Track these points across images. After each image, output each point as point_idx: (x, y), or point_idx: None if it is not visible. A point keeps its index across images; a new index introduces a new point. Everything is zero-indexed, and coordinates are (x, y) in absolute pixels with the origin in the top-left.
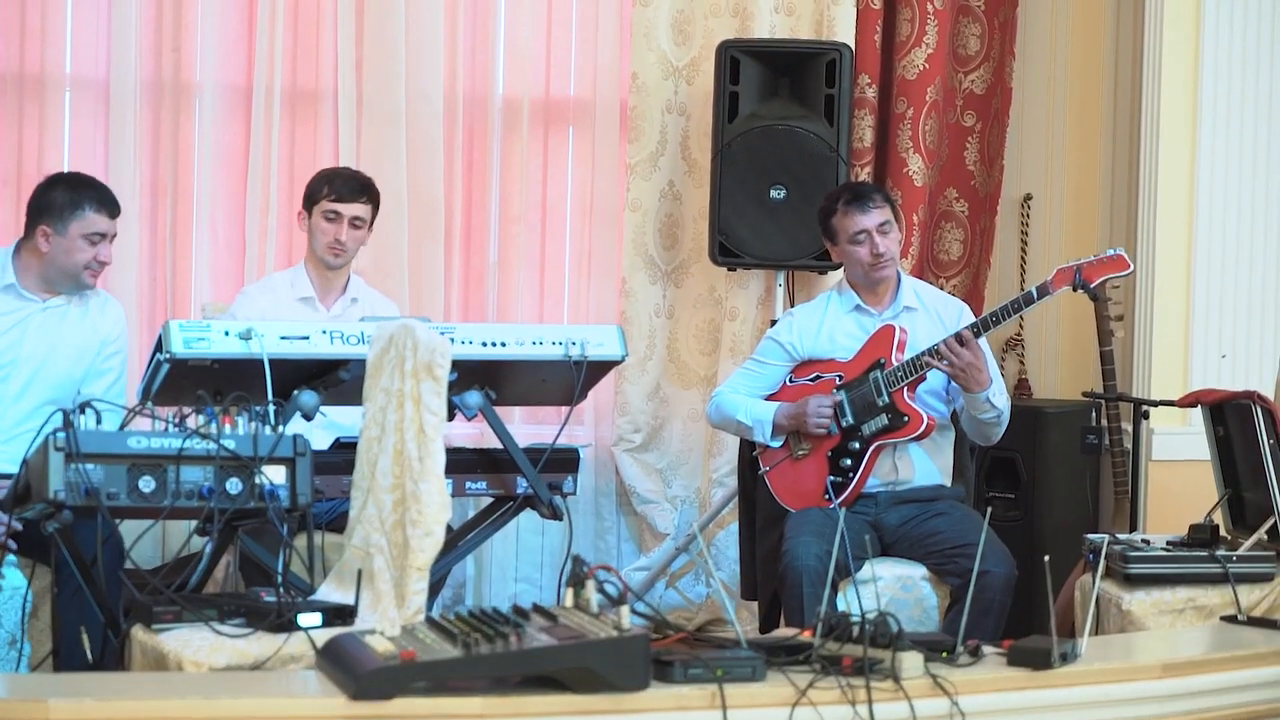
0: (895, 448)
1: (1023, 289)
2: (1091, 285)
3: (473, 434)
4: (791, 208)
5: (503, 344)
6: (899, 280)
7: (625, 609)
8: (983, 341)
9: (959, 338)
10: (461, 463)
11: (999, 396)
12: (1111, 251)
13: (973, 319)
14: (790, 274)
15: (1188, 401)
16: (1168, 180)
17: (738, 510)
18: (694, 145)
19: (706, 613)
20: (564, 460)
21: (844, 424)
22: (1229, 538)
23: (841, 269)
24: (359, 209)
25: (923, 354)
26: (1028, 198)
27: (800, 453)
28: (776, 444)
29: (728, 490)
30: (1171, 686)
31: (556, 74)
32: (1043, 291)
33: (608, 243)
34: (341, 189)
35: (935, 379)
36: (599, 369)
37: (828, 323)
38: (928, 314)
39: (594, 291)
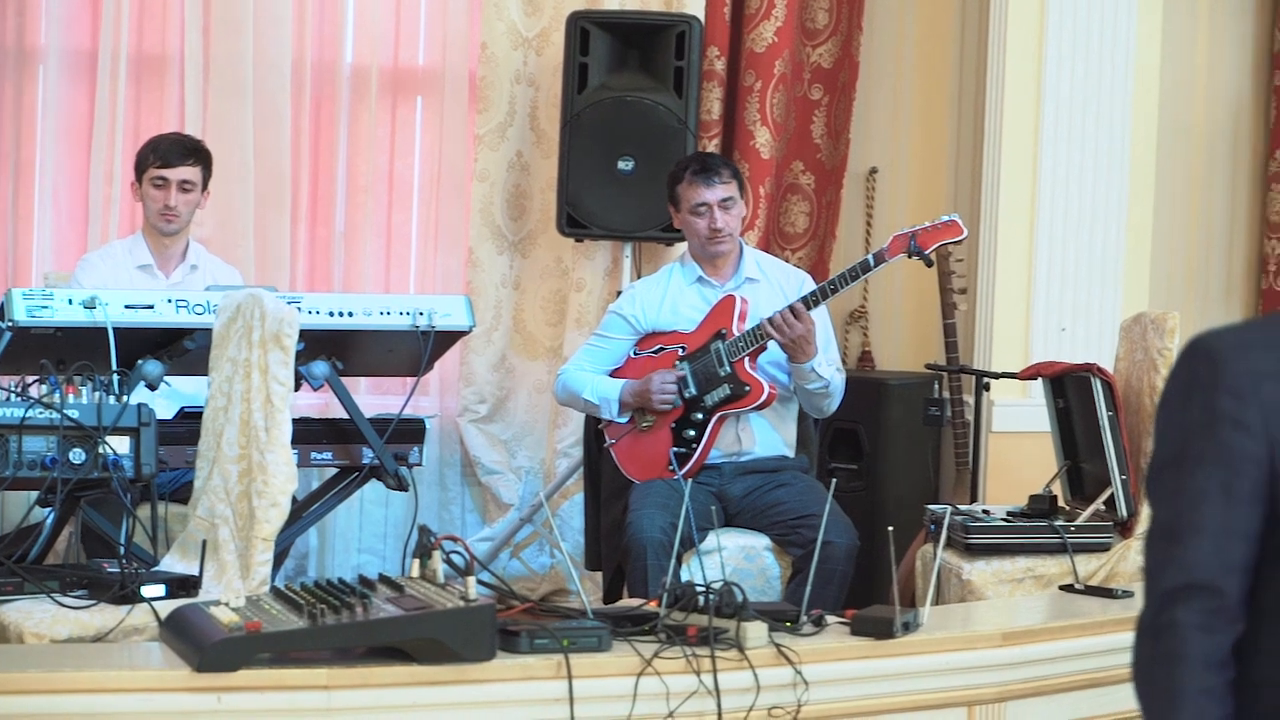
0: (738, 418)
1: None
2: (926, 251)
3: (318, 404)
4: (639, 179)
5: (350, 314)
6: (741, 252)
7: (471, 579)
8: (823, 311)
9: (793, 309)
10: (307, 433)
11: (827, 367)
12: (946, 218)
13: (814, 289)
14: (637, 245)
15: (1028, 374)
16: (1011, 155)
17: (582, 481)
18: (543, 116)
19: (551, 583)
20: (410, 431)
21: (687, 395)
22: (1067, 508)
23: (688, 241)
24: (187, 172)
25: (761, 324)
26: (873, 171)
27: (645, 425)
28: (624, 420)
29: (572, 461)
30: (1011, 655)
31: (405, 43)
32: (879, 259)
33: (455, 213)
34: (167, 154)
35: (777, 349)
36: (446, 339)
37: (670, 295)
38: (770, 285)
39: (441, 262)
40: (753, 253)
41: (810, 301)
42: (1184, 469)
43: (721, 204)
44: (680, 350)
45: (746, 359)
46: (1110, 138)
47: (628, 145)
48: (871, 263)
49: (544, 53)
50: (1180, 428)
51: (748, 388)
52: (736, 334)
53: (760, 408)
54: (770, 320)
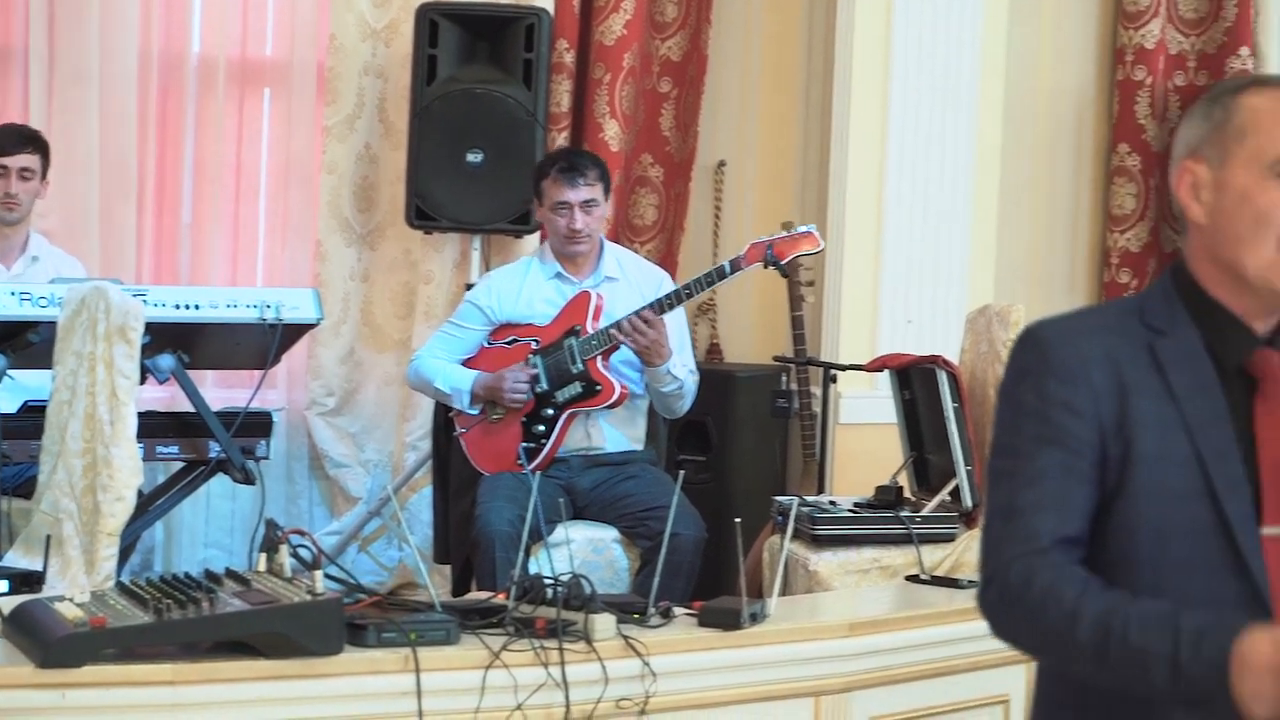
0: (588, 416)
1: (716, 254)
2: (783, 262)
3: (164, 397)
4: (488, 171)
5: (196, 306)
6: (601, 248)
7: (318, 573)
8: (679, 314)
9: (642, 316)
10: (153, 426)
11: (681, 368)
12: (803, 228)
13: (672, 289)
14: (486, 238)
15: (875, 366)
16: (858, 149)
17: (431, 474)
18: (391, 108)
19: (399, 576)
20: (257, 424)
21: (539, 390)
22: (913, 499)
23: (539, 233)
24: (26, 159)
25: (613, 325)
26: (721, 164)
27: (495, 417)
28: (475, 411)
29: (421, 454)
30: (857, 645)
31: (253, 34)
32: (735, 266)
33: (303, 205)
34: (4, 142)
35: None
36: (294, 332)
37: (527, 288)
38: (628, 284)
39: (289, 254)
40: (614, 251)
41: (664, 305)
42: (1021, 453)
43: (584, 205)
44: (534, 344)
45: (599, 357)
46: (956, 132)
47: (477, 138)
48: (728, 269)
49: (393, 44)
50: (1015, 414)
51: (599, 387)
52: (590, 331)
53: (611, 407)
54: (619, 326)
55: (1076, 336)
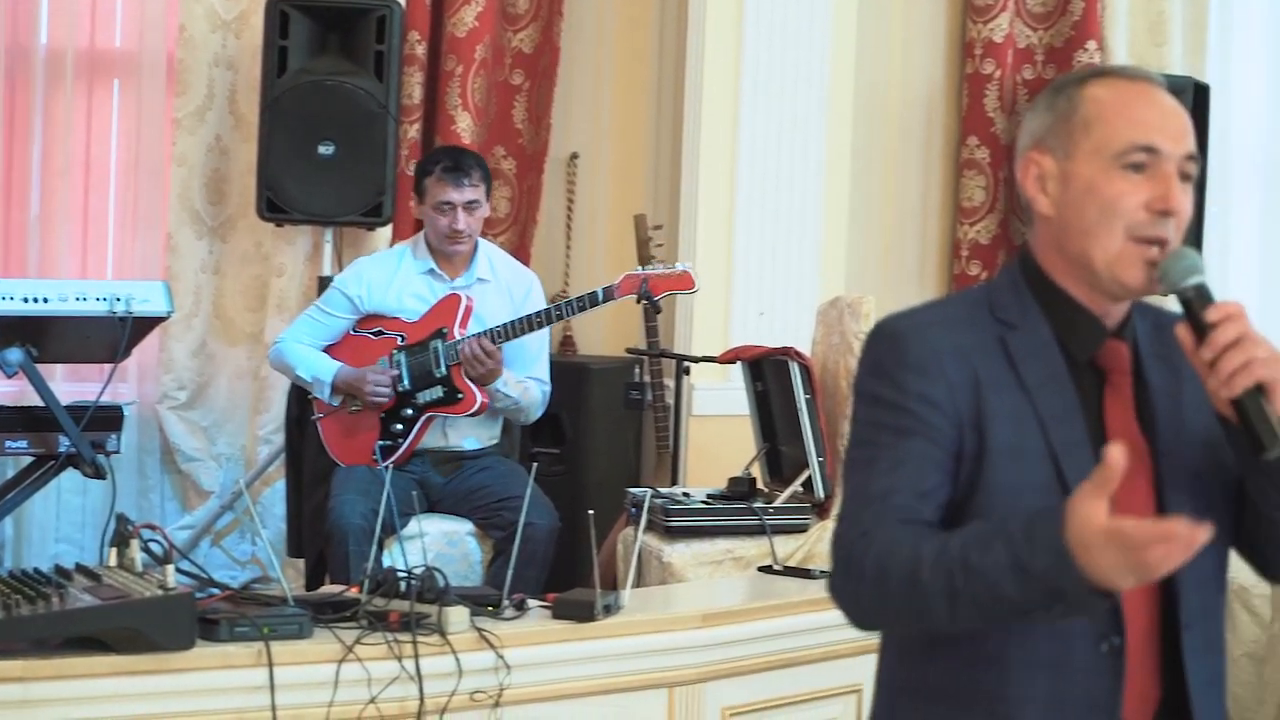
0: (446, 418)
1: (569, 247)
2: (656, 298)
3: (13, 392)
4: (340, 164)
5: (45, 299)
6: (476, 250)
7: (170, 568)
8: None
9: (484, 347)
10: (2, 421)
11: (515, 385)
12: (680, 266)
13: (541, 293)
14: (338, 230)
15: (728, 358)
16: (711, 142)
17: (284, 468)
18: (242, 100)
19: (252, 570)
20: (107, 418)
21: (400, 388)
22: (766, 490)
23: (392, 226)
24: None
25: (460, 347)
26: (574, 156)
27: (354, 408)
28: (335, 403)
29: (274, 448)
30: (711, 636)
31: (102, 25)
32: (608, 295)
33: (153, 198)
34: None
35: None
36: (144, 325)
37: (398, 280)
38: (499, 288)
39: (139, 247)
40: (488, 251)
41: (533, 324)
42: (878, 444)
43: (467, 206)
44: (400, 339)
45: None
46: (807, 125)
47: (328, 129)
48: (600, 297)
49: (243, 36)
50: (872, 408)
51: (461, 395)
52: (457, 336)
53: (471, 416)
54: (461, 352)
55: (929, 330)
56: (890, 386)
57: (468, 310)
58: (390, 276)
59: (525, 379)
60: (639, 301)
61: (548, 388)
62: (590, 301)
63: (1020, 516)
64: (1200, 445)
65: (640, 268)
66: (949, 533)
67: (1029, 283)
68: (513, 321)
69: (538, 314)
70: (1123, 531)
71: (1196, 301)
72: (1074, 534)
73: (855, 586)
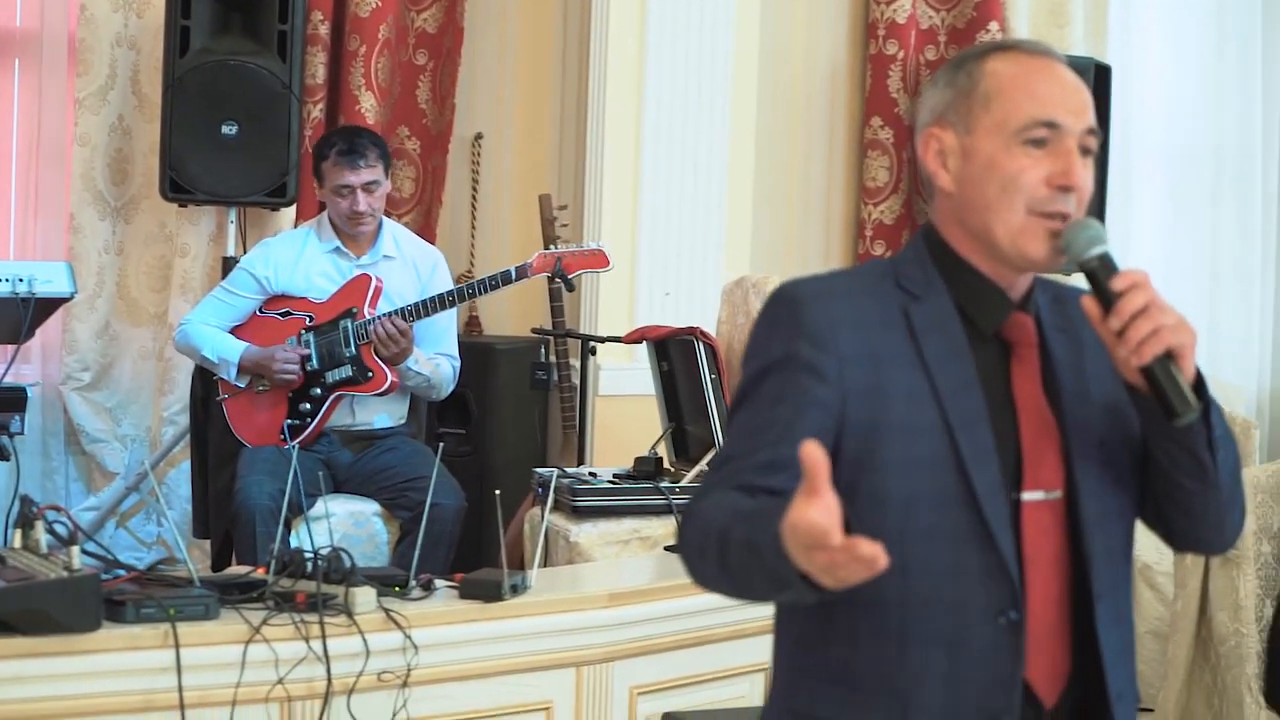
0: (355, 397)
1: (474, 227)
2: (570, 276)
3: None
4: (244, 144)
5: None
6: (380, 228)
7: (75, 549)
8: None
9: (397, 325)
10: None
11: (425, 363)
12: (594, 245)
13: (446, 272)
14: (242, 210)
15: (633, 337)
16: (615, 122)
17: (189, 448)
18: (145, 80)
19: (159, 552)
20: (11, 400)
21: (309, 368)
22: (672, 470)
23: (296, 206)
24: None
25: (372, 325)
26: (479, 137)
27: (261, 388)
28: (241, 384)
29: (179, 428)
30: (618, 615)
31: (2, 4)
32: (521, 273)
33: (55, 178)
34: None
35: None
36: (47, 306)
37: (304, 260)
38: (405, 264)
39: (41, 228)
40: (392, 229)
41: (446, 302)
42: (756, 405)
43: (365, 186)
44: (308, 319)
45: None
46: (711, 106)
47: (231, 110)
48: (513, 276)
49: (145, 15)
50: (758, 368)
51: (371, 374)
52: (367, 316)
53: (381, 395)
54: (374, 331)
55: (829, 298)
56: (780, 350)
57: (377, 291)
58: (297, 256)
59: (435, 355)
60: (552, 280)
61: (458, 363)
62: (503, 280)
63: (780, 500)
64: (1105, 415)
65: (553, 246)
66: (747, 499)
67: (933, 256)
68: (425, 300)
69: (450, 292)
70: (795, 528)
71: (1101, 271)
72: (783, 530)
73: (681, 543)
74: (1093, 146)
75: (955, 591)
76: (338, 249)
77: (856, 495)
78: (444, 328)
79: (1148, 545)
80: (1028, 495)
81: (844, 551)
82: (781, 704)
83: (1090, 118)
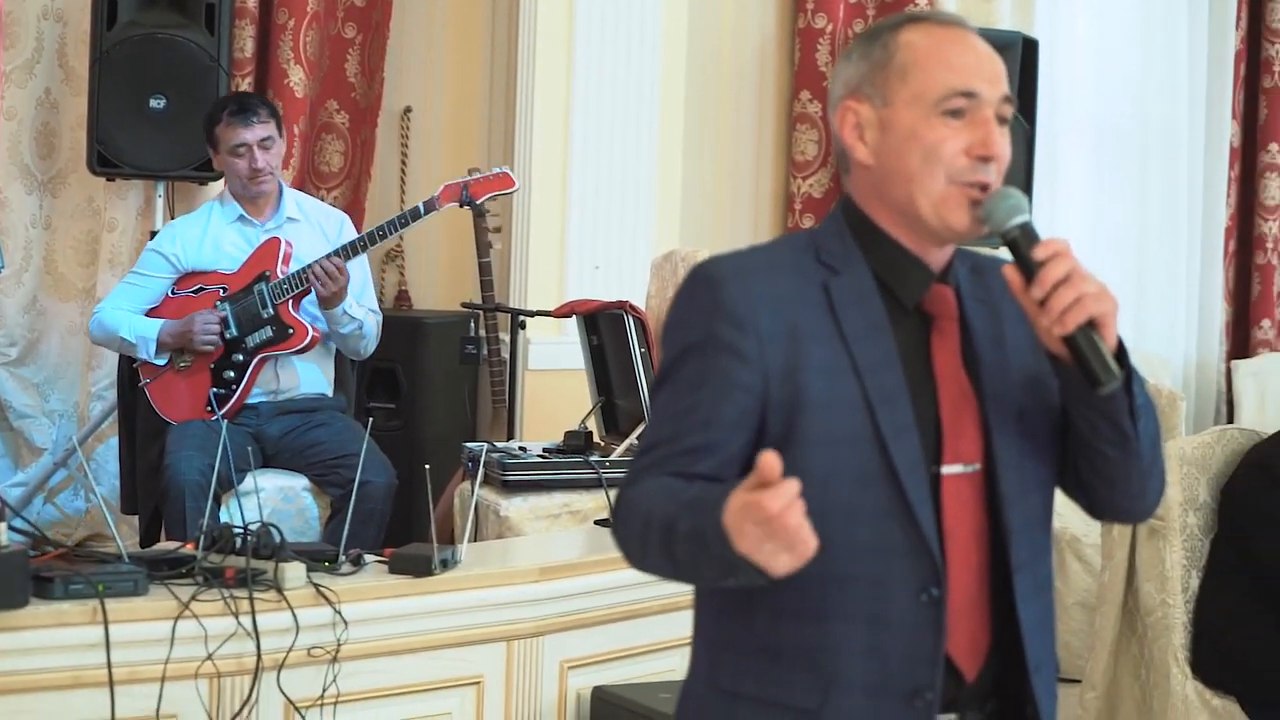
0: (278, 358)
1: (403, 201)
2: (478, 201)
3: None
4: (171, 117)
5: None
6: (281, 191)
7: (2, 526)
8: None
9: (335, 263)
10: None
11: (359, 308)
12: (497, 170)
13: (353, 230)
14: (170, 184)
15: (563, 311)
16: (544, 96)
17: (117, 424)
18: (71, 53)
19: (88, 527)
20: None
21: (228, 336)
22: (603, 444)
23: (223, 180)
24: None
25: (306, 268)
26: (407, 110)
27: (182, 365)
28: (161, 361)
29: (107, 404)
30: (548, 589)
31: None
32: (429, 207)
33: None
34: None
35: None
36: None
37: (210, 233)
38: (310, 225)
39: None
40: (292, 193)
41: (360, 246)
42: (679, 389)
43: (261, 144)
44: (221, 291)
45: (291, 301)
46: (640, 80)
47: (159, 83)
48: (422, 210)
49: None
50: (678, 349)
51: (291, 330)
52: (280, 276)
53: (303, 351)
54: (312, 270)
55: (748, 276)
56: (700, 331)
57: (288, 253)
58: (203, 231)
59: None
60: (462, 206)
61: (379, 316)
62: (413, 216)
63: (724, 486)
64: (1025, 386)
65: (460, 177)
66: (687, 487)
67: (852, 230)
68: (352, 241)
69: (373, 230)
70: (750, 502)
71: (1023, 240)
72: (725, 521)
73: (618, 530)
74: (1008, 114)
75: (876, 568)
76: (242, 217)
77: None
78: (360, 281)
79: (1076, 518)
80: (947, 469)
81: (785, 494)
82: (703, 680)
83: (1005, 85)
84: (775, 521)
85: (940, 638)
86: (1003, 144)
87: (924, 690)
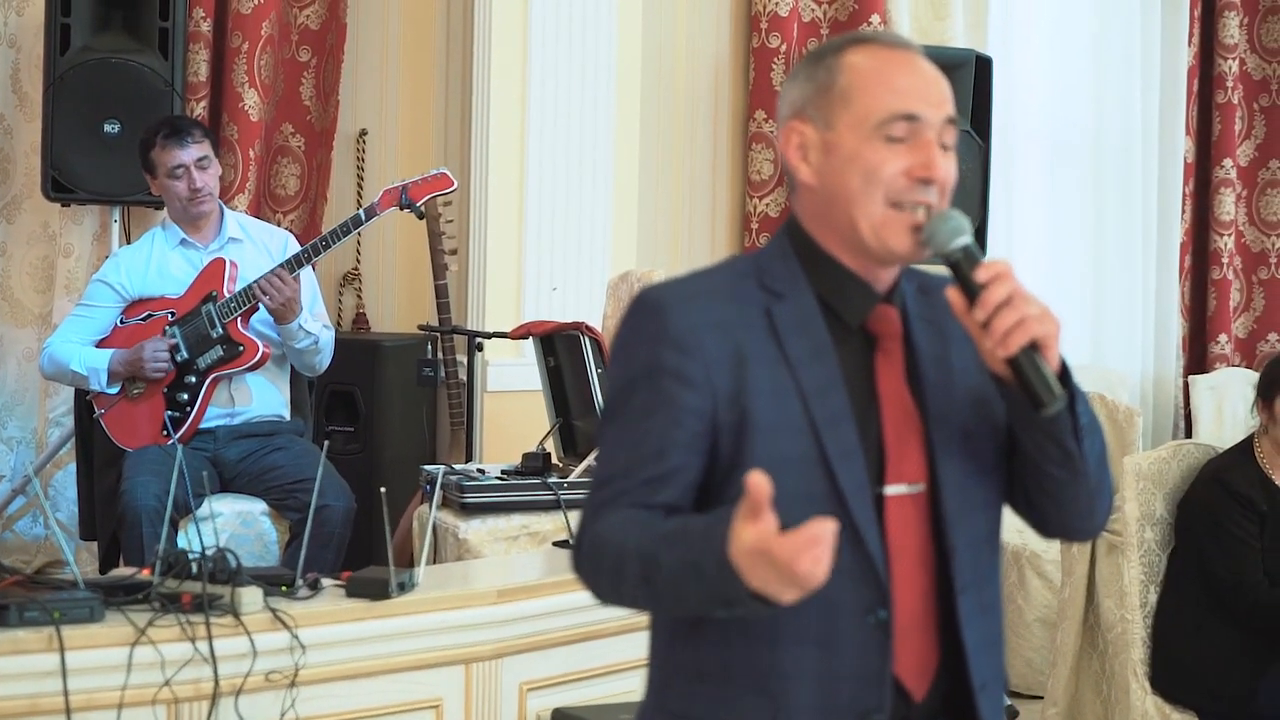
0: (231, 378)
1: None
2: (417, 204)
3: None
4: (126, 142)
5: None
6: (222, 213)
7: None
8: (307, 270)
9: (279, 275)
10: None
11: (314, 322)
12: (435, 171)
13: (297, 247)
14: (126, 209)
15: (520, 333)
16: (499, 117)
17: (74, 450)
18: (25, 78)
19: (46, 555)
20: None
21: (179, 359)
22: (560, 465)
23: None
24: None
25: (253, 285)
26: (363, 133)
27: (135, 392)
28: (114, 390)
29: (65, 430)
30: (507, 611)
31: None
32: (370, 213)
33: None
34: None
35: None
36: None
37: (155, 260)
38: (254, 244)
39: None
40: (233, 214)
41: (303, 258)
42: (628, 420)
43: (198, 164)
44: (169, 315)
45: (239, 319)
46: (595, 100)
47: (113, 108)
48: (363, 217)
49: (25, 13)
50: (626, 379)
51: (241, 348)
52: (227, 295)
53: (255, 367)
54: (259, 285)
55: (691, 303)
56: (645, 360)
57: (233, 272)
58: (147, 258)
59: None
60: (401, 209)
61: (332, 331)
62: (354, 224)
63: (706, 518)
64: (970, 406)
65: (397, 181)
66: (661, 521)
67: (796, 251)
68: (296, 254)
69: (316, 241)
70: (769, 551)
71: (965, 263)
72: (732, 553)
73: (583, 564)
74: (951, 138)
75: (825, 590)
76: (184, 241)
77: (725, 492)
78: (310, 296)
79: (1036, 535)
80: (890, 489)
81: (809, 545)
82: (655, 702)
83: (950, 108)
84: (800, 576)
85: (888, 659)
86: (946, 167)
87: (872, 713)
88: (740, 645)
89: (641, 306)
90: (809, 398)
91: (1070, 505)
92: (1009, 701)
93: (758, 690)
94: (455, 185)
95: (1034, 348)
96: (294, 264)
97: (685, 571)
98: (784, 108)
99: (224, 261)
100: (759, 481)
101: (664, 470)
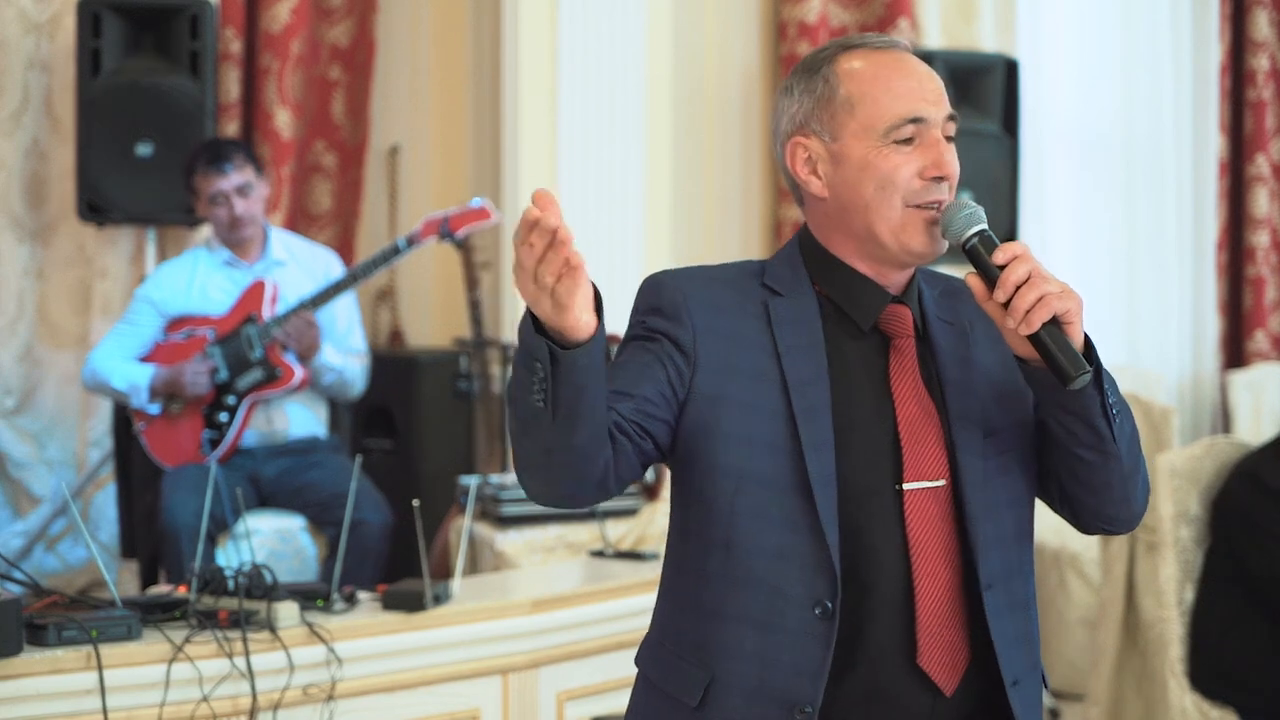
0: (270, 401)
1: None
2: (457, 235)
3: None
4: (159, 164)
5: None
6: (267, 234)
7: None
8: (349, 295)
9: (304, 318)
10: None
11: (337, 355)
12: (476, 202)
13: (341, 268)
14: (160, 230)
15: None
16: (529, 129)
17: (114, 470)
18: (58, 102)
19: (88, 575)
20: None
21: (219, 380)
22: None
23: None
24: None
25: (286, 315)
26: (395, 149)
27: (175, 409)
28: (154, 409)
29: (104, 450)
30: (542, 621)
31: None
32: (411, 241)
33: None
34: None
35: None
36: None
37: (199, 278)
38: (299, 266)
39: None
40: (279, 234)
41: (342, 286)
42: (614, 365)
43: (239, 191)
44: (210, 335)
45: (278, 344)
46: (626, 111)
47: (146, 130)
48: (403, 246)
49: (56, 38)
50: (622, 342)
51: (280, 371)
52: (268, 318)
53: (293, 391)
54: (280, 331)
55: (688, 281)
56: (637, 326)
57: (274, 294)
58: (190, 276)
59: (343, 353)
60: (440, 240)
61: (366, 358)
62: (394, 252)
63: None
64: (995, 404)
65: (439, 211)
66: None
67: (806, 259)
68: (323, 288)
69: (354, 269)
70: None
71: (982, 247)
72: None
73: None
74: (952, 132)
75: (775, 575)
76: (229, 260)
77: (695, 463)
78: (345, 324)
79: (1075, 535)
80: (909, 485)
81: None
82: (640, 655)
83: (947, 104)
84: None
85: (827, 652)
86: (954, 163)
87: (803, 705)
88: (691, 616)
89: (645, 284)
90: (791, 388)
91: (1104, 491)
92: (1051, 702)
93: (697, 661)
94: (496, 219)
95: (1056, 323)
96: (331, 292)
97: (516, 368)
98: (783, 124)
99: (265, 284)
100: (542, 191)
101: (628, 388)
